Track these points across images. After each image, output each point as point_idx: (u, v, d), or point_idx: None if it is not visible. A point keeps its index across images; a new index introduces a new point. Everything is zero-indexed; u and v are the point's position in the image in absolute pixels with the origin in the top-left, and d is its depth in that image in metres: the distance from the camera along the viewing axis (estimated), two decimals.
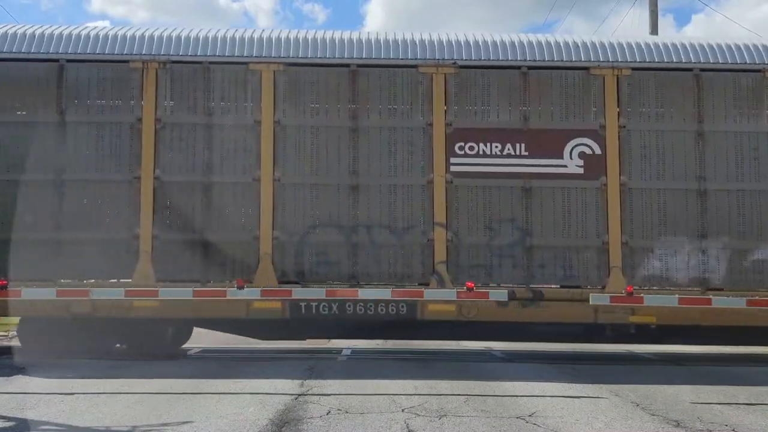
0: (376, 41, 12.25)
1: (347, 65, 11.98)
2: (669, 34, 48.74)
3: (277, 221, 11.70)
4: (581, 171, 11.84)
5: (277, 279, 11.59)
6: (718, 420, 7.24)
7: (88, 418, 7.04)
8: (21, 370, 10.17)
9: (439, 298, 11.47)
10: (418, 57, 12.07)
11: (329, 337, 12.54)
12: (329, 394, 8.28)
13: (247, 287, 11.49)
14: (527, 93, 11.96)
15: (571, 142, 11.88)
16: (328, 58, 12.05)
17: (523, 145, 11.86)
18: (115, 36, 12.15)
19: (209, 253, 11.66)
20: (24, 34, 12.07)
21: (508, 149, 11.86)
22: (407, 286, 11.59)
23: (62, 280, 11.57)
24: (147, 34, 12.19)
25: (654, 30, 21.69)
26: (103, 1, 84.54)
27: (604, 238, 11.71)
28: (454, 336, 12.46)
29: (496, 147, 11.86)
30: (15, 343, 13.03)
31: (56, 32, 12.15)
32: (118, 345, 12.10)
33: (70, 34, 12.11)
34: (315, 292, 11.48)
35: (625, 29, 41.19)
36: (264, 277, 11.58)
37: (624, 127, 11.91)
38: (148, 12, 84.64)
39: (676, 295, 11.49)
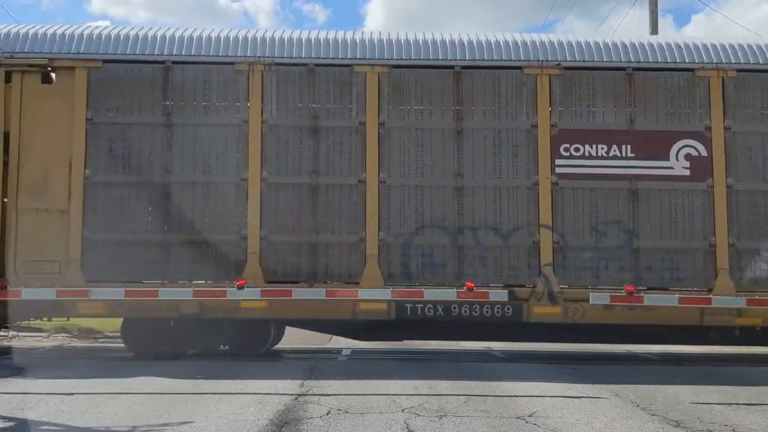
0: (478, 42, 12.23)
1: (451, 67, 11.97)
2: (669, 34, 48.43)
3: (383, 223, 11.71)
4: (687, 173, 11.80)
5: (383, 280, 11.60)
6: (718, 420, 7.21)
7: (88, 418, 7.04)
8: (21, 370, 10.21)
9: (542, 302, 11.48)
10: (522, 58, 12.06)
11: (434, 339, 12.53)
12: (329, 394, 8.28)
13: (354, 288, 11.52)
14: (632, 94, 11.93)
15: (677, 143, 11.84)
16: (432, 59, 12.05)
17: (629, 146, 11.83)
18: (218, 38, 12.18)
19: (316, 254, 11.69)
20: (128, 36, 12.12)
21: (614, 151, 11.83)
22: (513, 288, 11.59)
23: (170, 282, 11.62)
24: (250, 36, 12.22)
25: (654, 30, 21.46)
26: (103, 1, 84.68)
27: (711, 240, 11.66)
28: (560, 338, 12.43)
29: (602, 149, 11.83)
30: (15, 343, 13.06)
31: (159, 33, 12.21)
32: (222, 346, 12.12)
33: (173, 36, 12.16)
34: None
35: (625, 29, 40.78)
36: (370, 278, 11.59)
37: (729, 128, 11.85)
38: (148, 12, 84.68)
39: (677, 296, 11.44)
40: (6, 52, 11.89)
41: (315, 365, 10.77)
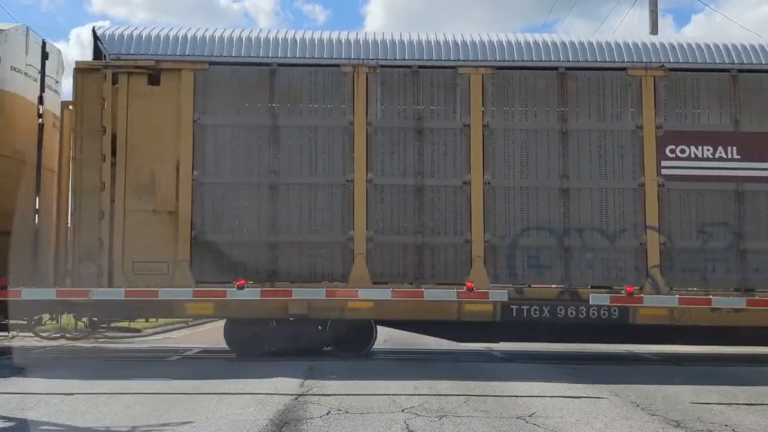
0: (580, 44, 12.26)
1: (555, 68, 11.98)
2: (669, 34, 48.30)
3: (488, 224, 11.73)
4: None
5: (489, 282, 11.61)
6: (718, 420, 7.20)
7: (88, 418, 7.03)
8: (21, 370, 10.18)
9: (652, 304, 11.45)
10: (625, 59, 12.07)
11: (537, 341, 12.51)
12: (329, 394, 8.26)
13: (458, 289, 11.53)
14: (737, 96, 11.91)
15: None
16: (535, 60, 12.08)
17: (734, 148, 11.82)
18: (321, 40, 12.25)
19: (422, 255, 11.71)
20: (232, 38, 12.20)
21: (720, 152, 11.82)
22: (621, 290, 11.58)
23: (278, 283, 11.68)
24: (353, 38, 12.29)
25: (654, 30, 21.40)
26: (103, 1, 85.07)
27: None
28: (665, 340, 12.43)
29: (708, 150, 11.82)
30: (15, 343, 13.02)
31: (263, 36, 12.29)
32: (326, 347, 12.14)
33: (276, 38, 12.24)
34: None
35: (625, 29, 40.63)
36: (476, 279, 11.60)
37: None
38: (148, 12, 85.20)
39: (676, 296, 11.43)
40: (112, 53, 11.98)
41: (315, 365, 10.69)
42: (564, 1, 54.54)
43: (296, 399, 7.99)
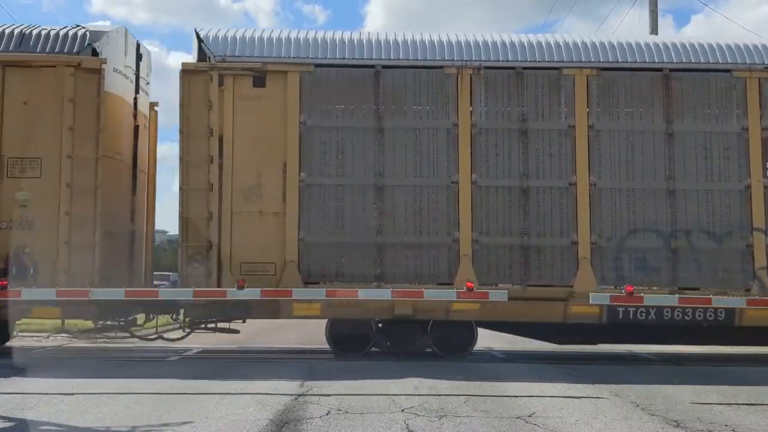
0: (682, 46, 12.25)
1: (660, 69, 11.97)
2: (669, 34, 47.97)
3: (594, 226, 11.73)
4: None
5: (597, 283, 11.62)
6: (718, 420, 7.19)
7: (88, 418, 7.04)
8: (21, 370, 10.17)
9: None
10: (729, 61, 12.05)
11: (644, 343, 12.51)
12: (329, 395, 8.26)
13: (567, 290, 11.55)
14: None
15: None
16: (639, 62, 12.07)
17: None
18: (423, 41, 12.27)
19: (528, 257, 11.73)
20: (335, 40, 12.25)
21: None
22: (728, 292, 11.57)
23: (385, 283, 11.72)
24: (454, 39, 12.30)
25: (654, 30, 21.29)
26: (103, 1, 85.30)
27: None
28: None
29: None
30: (15, 343, 13.00)
31: (365, 38, 12.32)
32: (429, 348, 12.16)
33: (379, 40, 12.27)
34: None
35: (625, 29, 40.32)
36: (583, 281, 11.61)
37: None
38: (148, 12, 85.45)
39: (676, 296, 11.43)
40: (217, 56, 12.03)
41: (315, 365, 10.68)
42: (564, 1, 54.44)
43: (296, 399, 8.02)
